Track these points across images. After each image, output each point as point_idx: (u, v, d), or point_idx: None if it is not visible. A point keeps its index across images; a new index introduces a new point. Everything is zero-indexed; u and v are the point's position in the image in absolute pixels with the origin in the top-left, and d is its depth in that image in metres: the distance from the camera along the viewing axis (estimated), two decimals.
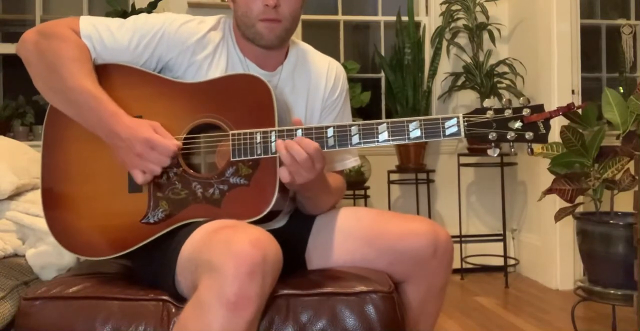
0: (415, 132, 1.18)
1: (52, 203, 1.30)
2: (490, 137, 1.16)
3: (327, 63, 1.49)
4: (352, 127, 1.20)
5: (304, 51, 1.48)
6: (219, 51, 1.37)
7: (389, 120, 1.20)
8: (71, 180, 1.30)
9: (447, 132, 1.16)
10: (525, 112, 1.15)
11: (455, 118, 1.16)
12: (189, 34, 1.34)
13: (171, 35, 1.32)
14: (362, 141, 1.20)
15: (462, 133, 1.16)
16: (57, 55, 1.25)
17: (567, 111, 1.14)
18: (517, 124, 1.15)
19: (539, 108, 1.15)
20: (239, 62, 1.39)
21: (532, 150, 1.18)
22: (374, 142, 1.19)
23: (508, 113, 1.15)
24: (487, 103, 1.18)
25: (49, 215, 1.30)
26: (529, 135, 1.15)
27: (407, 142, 1.19)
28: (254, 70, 1.39)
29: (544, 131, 1.14)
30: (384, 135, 1.19)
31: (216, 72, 1.35)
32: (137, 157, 1.19)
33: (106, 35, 1.30)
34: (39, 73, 1.28)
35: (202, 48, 1.35)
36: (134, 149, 1.19)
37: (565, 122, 2.30)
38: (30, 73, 1.30)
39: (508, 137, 1.15)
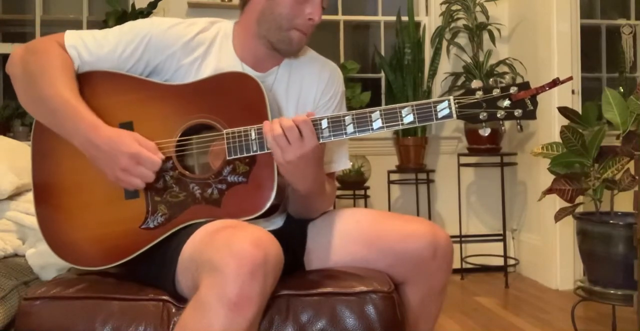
0: (408, 117, 1.19)
1: (47, 217, 1.29)
2: (481, 116, 1.18)
3: (321, 65, 1.47)
4: (346, 117, 1.21)
5: (302, 52, 1.45)
6: (209, 53, 1.35)
7: (382, 107, 1.20)
8: (64, 191, 1.28)
9: (440, 115, 1.18)
10: (513, 90, 1.17)
11: (447, 101, 1.18)
12: (176, 37, 1.33)
13: (158, 39, 1.32)
14: (356, 130, 1.20)
15: (454, 115, 1.18)
16: (39, 66, 1.25)
17: (553, 87, 1.16)
18: (506, 103, 1.17)
19: (525, 86, 1.17)
20: (232, 64, 1.37)
21: (521, 127, 1.21)
22: (368, 130, 1.20)
23: (496, 92, 1.18)
24: (475, 83, 1.20)
25: (45, 228, 1.28)
26: (517, 112, 1.17)
27: (401, 127, 1.20)
28: (248, 71, 1.36)
29: (532, 107, 1.17)
30: (377, 123, 1.20)
31: (205, 73, 1.33)
32: (122, 171, 1.19)
33: (91, 43, 1.31)
34: (21, 86, 1.28)
35: (190, 51, 1.33)
36: (119, 163, 1.18)
37: (565, 121, 2.30)
38: (16, 89, 1.30)
39: (498, 115, 1.18)
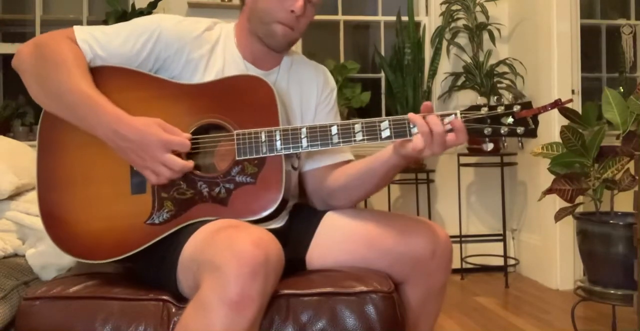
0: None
1: (51, 209, 1.28)
2: (485, 131, 1.22)
3: (314, 68, 1.54)
4: (356, 125, 1.24)
5: (295, 55, 1.53)
6: (215, 51, 1.38)
7: (391, 117, 1.24)
8: (70, 185, 1.28)
9: (447, 128, 1.21)
10: (516, 108, 1.21)
11: (454, 115, 1.21)
12: (186, 31, 1.35)
13: (169, 32, 1.33)
14: (365, 138, 1.24)
15: None
16: (52, 61, 1.25)
17: (555, 107, 1.21)
18: (509, 120, 1.22)
19: (527, 105, 1.22)
20: (236, 62, 1.40)
21: (522, 144, 1.26)
22: (376, 138, 1.24)
23: (500, 109, 1.22)
24: (479, 100, 1.24)
25: (47, 220, 1.28)
26: (520, 130, 1.21)
27: (408, 137, 1.22)
28: (251, 70, 1.41)
29: (533, 126, 1.22)
30: (386, 132, 1.23)
31: (212, 71, 1.36)
32: (152, 159, 1.20)
33: (101, 37, 1.31)
34: (33, 80, 1.28)
35: (198, 46, 1.36)
36: (149, 152, 1.19)
37: (565, 122, 2.30)
38: (25, 82, 1.29)
39: (501, 131, 1.22)
